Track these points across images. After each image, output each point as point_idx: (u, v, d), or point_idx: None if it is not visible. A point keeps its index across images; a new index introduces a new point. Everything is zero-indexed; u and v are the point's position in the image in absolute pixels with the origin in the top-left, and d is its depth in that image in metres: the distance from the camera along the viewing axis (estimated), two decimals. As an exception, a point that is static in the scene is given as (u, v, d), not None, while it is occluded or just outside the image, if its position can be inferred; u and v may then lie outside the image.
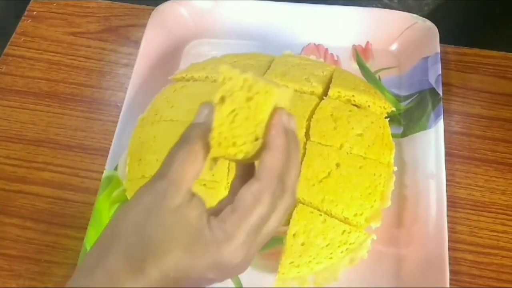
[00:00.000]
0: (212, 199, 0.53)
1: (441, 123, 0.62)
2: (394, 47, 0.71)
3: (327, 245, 0.52)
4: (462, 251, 0.58)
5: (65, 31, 0.75)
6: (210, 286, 0.37)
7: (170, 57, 0.70)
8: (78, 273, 0.36)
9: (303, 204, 0.54)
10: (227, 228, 0.35)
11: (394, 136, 0.60)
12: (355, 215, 0.54)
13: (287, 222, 0.53)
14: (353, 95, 0.61)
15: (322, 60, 0.70)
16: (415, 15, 0.70)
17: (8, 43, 0.74)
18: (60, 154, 0.65)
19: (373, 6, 0.73)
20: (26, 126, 0.67)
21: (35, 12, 0.77)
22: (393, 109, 0.62)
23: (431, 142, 0.61)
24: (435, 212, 0.57)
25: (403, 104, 0.67)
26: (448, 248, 0.54)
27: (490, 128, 0.66)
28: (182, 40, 0.72)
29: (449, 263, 0.53)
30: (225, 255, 0.35)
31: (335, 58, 0.71)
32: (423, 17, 0.70)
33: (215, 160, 0.38)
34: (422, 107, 0.65)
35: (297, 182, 0.38)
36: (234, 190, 0.40)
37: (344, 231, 0.53)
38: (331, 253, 0.52)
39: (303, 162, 0.55)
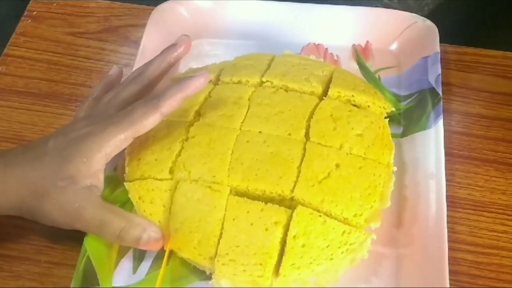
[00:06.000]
0: (215, 201, 0.54)
1: (441, 123, 0.62)
2: (394, 46, 0.71)
3: (327, 246, 0.52)
4: (462, 251, 0.58)
5: (65, 31, 0.75)
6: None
7: (170, 57, 0.70)
8: None
9: (303, 205, 0.54)
10: None
11: (394, 136, 0.60)
12: (355, 215, 0.54)
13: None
14: (353, 95, 0.61)
15: (322, 60, 0.70)
16: (415, 14, 0.70)
17: (8, 43, 0.74)
18: (60, 154, 0.65)
19: (373, 6, 0.73)
20: (25, 126, 0.67)
21: (34, 12, 0.77)
22: (393, 109, 0.62)
23: (431, 142, 0.61)
24: (435, 212, 0.57)
25: (403, 104, 0.67)
26: (448, 248, 0.54)
27: (490, 128, 0.66)
28: (182, 40, 0.72)
29: (449, 263, 0.53)
30: None
31: (335, 57, 0.71)
32: (423, 17, 0.70)
33: None
34: (422, 107, 0.65)
35: None
36: None
37: (344, 231, 0.53)
38: (331, 254, 0.52)
39: (302, 163, 0.55)
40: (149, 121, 0.53)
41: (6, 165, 0.53)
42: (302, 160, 0.56)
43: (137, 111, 0.53)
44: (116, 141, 0.53)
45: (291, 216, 0.53)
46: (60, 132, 0.55)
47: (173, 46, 0.63)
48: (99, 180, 0.53)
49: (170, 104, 0.54)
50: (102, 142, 0.52)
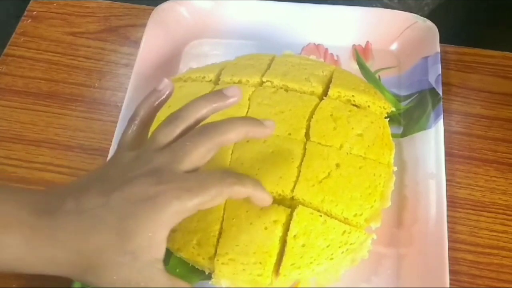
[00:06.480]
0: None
1: (441, 123, 0.62)
2: (394, 47, 0.71)
3: (327, 246, 0.52)
4: (462, 251, 0.58)
5: (65, 31, 0.75)
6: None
7: (170, 57, 0.70)
8: None
9: (303, 205, 0.54)
10: None
11: (394, 136, 0.60)
12: (355, 215, 0.54)
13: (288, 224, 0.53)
14: (353, 95, 0.61)
15: (322, 60, 0.70)
16: (415, 14, 0.70)
17: (8, 43, 0.74)
18: (60, 154, 0.65)
19: (373, 6, 0.73)
20: (26, 126, 0.67)
21: (35, 12, 0.77)
22: (393, 109, 0.62)
23: (431, 142, 0.61)
24: (435, 212, 0.57)
25: (403, 104, 0.67)
26: (448, 248, 0.54)
27: (491, 128, 0.66)
28: (182, 40, 0.72)
29: (449, 263, 0.53)
30: None
31: (335, 58, 0.71)
32: (423, 17, 0.70)
33: None
34: (422, 107, 0.65)
35: None
36: None
37: (344, 231, 0.53)
38: (332, 254, 0.52)
39: (302, 163, 0.55)
40: (218, 200, 0.46)
41: (55, 233, 0.45)
42: (302, 160, 0.56)
43: (212, 189, 0.45)
44: (185, 212, 0.45)
45: (290, 215, 0.53)
46: (116, 181, 0.45)
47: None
48: (162, 251, 0.45)
49: (241, 191, 0.47)
50: (171, 213, 0.44)
